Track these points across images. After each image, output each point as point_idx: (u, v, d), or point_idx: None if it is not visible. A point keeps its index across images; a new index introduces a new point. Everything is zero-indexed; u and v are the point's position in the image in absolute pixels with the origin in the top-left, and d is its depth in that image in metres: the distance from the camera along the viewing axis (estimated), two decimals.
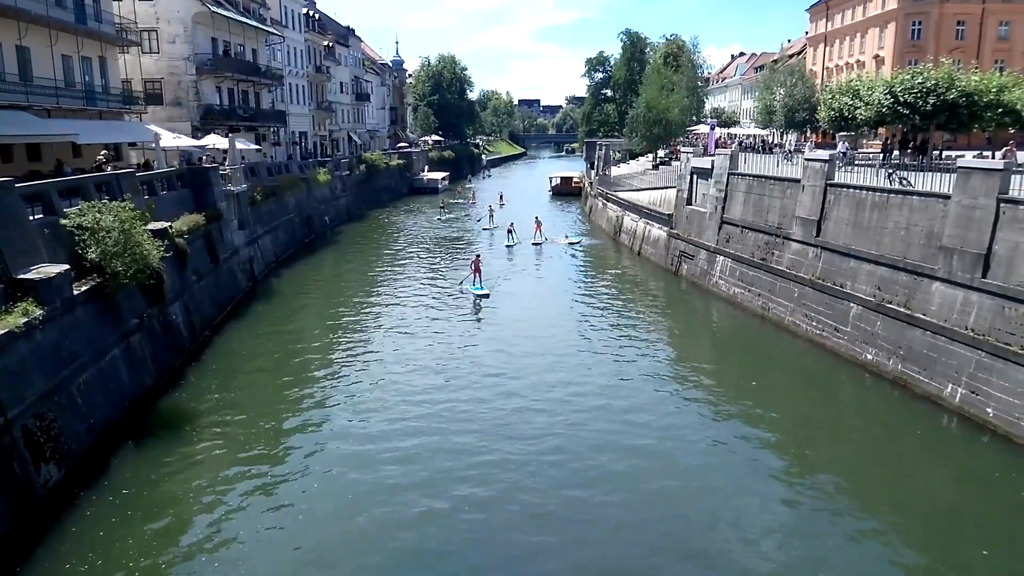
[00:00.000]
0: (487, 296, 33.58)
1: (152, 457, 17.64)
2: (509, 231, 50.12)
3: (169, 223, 25.75)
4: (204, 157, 39.62)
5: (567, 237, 52.37)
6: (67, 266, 17.70)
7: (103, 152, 30.57)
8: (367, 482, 16.53)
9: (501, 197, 74.50)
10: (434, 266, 43.70)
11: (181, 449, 18.12)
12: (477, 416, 20.20)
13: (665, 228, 42.08)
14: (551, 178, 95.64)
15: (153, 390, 21.26)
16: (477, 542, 14.51)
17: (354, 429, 19.57)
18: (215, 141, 41.73)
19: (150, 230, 22.14)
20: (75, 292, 17.97)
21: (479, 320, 30.89)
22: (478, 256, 36.78)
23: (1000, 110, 33.53)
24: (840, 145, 34.83)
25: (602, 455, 18.09)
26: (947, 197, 21.51)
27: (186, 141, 39.91)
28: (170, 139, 37.09)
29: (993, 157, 31.55)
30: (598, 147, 75.26)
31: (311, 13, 77.75)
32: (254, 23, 55.43)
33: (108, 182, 23.84)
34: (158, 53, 46.99)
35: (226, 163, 38.68)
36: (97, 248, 19.05)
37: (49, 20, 30.60)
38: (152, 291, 22.02)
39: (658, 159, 65.17)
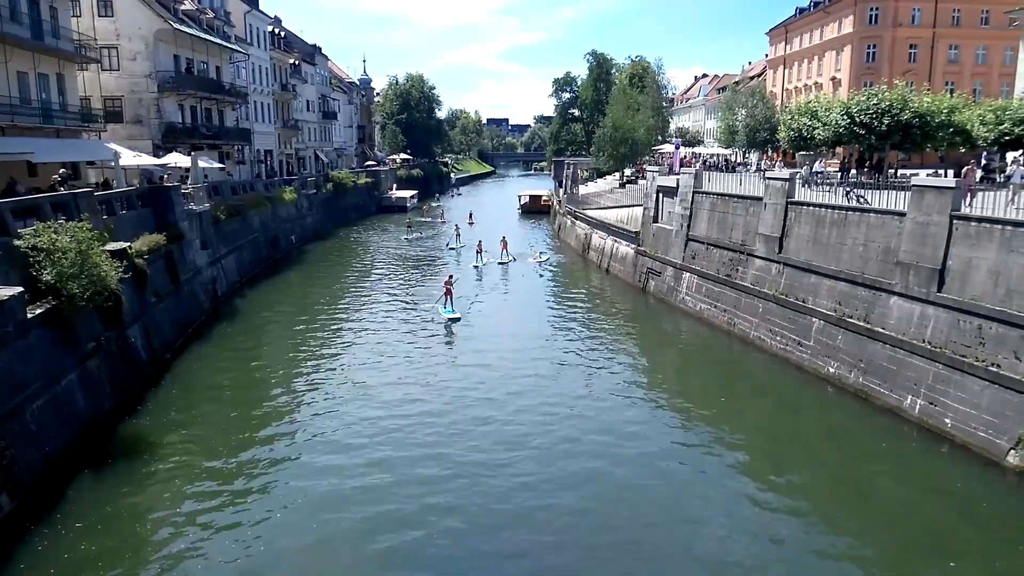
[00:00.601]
0: (458, 319, 32.93)
1: (109, 486, 17.15)
2: (478, 251, 49.50)
3: (128, 243, 25.34)
4: (165, 176, 39.12)
5: (540, 255, 52.69)
6: (20, 288, 17.29)
7: (60, 171, 29.99)
8: (332, 511, 16.09)
9: (471, 216, 74.13)
10: (402, 286, 43.32)
11: (139, 477, 17.66)
12: (445, 438, 20.00)
13: (632, 245, 42.42)
14: (520, 196, 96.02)
15: (111, 415, 20.77)
16: (447, 559, 14.36)
17: (319, 455, 19.11)
18: (177, 159, 41.17)
19: (108, 251, 21.78)
20: (29, 315, 17.56)
21: (447, 342, 30.61)
22: (450, 277, 36.16)
23: (951, 130, 34.44)
24: (816, 164, 35.37)
25: (571, 470, 18.18)
26: (902, 214, 22.02)
27: (147, 159, 39.32)
28: (130, 157, 36.50)
29: (946, 175, 32.38)
30: (566, 166, 75.92)
31: (277, 31, 77.37)
32: (218, 40, 54.97)
33: (65, 202, 23.42)
34: (118, 70, 46.32)
35: (188, 182, 38.21)
36: (52, 270, 18.62)
37: (4, 36, 30.00)
38: (110, 313, 21.59)
39: (625, 178, 65.83)
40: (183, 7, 51.65)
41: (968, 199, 21.09)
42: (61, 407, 18.40)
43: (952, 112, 34.45)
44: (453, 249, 56.90)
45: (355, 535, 15.16)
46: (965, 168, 26.44)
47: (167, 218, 32.40)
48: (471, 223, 70.75)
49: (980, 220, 19.46)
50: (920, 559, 14.35)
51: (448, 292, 34.38)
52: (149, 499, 16.72)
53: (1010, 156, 35.13)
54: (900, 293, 21.73)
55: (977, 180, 24.75)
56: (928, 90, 39.63)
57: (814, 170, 33.71)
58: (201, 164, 40.74)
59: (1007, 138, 32.22)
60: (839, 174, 35.46)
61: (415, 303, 37.55)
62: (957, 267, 19.89)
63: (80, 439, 18.76)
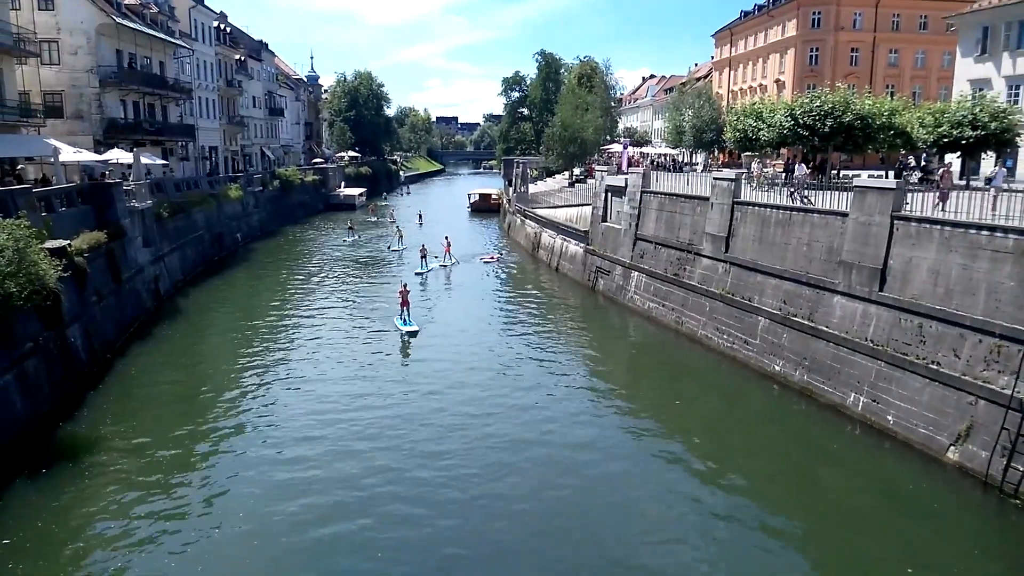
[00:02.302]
0: (416, 333, 30.12)
1: (47, 491, 16.56)
2: (422, 256, 45.84)
3: (68, 241, 24.53)
4: (107, 172, 38.00)
5: (498, 254, 52.17)
6: None
7: None
8: (276, 519, 15.57)
9: (420, 217, 72.99)
10: (346, 288, 42.20)
11: (79, 481, 17.12)
12: (393, 440, 19.67)
13: (582, 244, 42.70)
14: (470, 195, 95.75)
15: (49, 418, 20.10)
16: (396, 561, 14.25)
17: (263, 460, 18.55)
18: (119, 156, 40.13)
19: (47, 249, 21.07)
20: None
21: (393, 343, 29.61)
22: (405, 286, 32.59)
23: (892, 132, 35.53)
24: (754, 165, 35.90)
25: (519, 468, 18.22)
26: (845, 215, 22.58)
27: (88, 156, 38.20)
28: (70, 153, 35.40)
29: (887, 176, 33.41)
30: (515, 164, 76.03)
31: (222, 27, 75.89)
32: (161, 35, 53.68)
33: (2, 198, 22.57)
34: (59, 64, 45.02)
35: (130, 178, 37.20)
36: None
37: None
38: (49, 313, 20.93)
39: (574, 177, 66.38)
40: (127, 1, 50.34)
41: (941, 204, 21.21)
42: None
43: (893, 114, 35.55)
44: (395, 251, 54.57)
45: (299, 543, 14.77)
46: (942, 170, 27.06)
47: (108, 215, 31.49)
48: (420, 224, 69.67)
49: (920, 220, 20.04)
50: (864, 554, 14.65)
51: (404, 303, 31.45)
52: (88, 503, 16.17)
53: (948, 157, 36.37)
54: (843, 292, 22.27)
55: (953, 183, 25.43)
56: (869, 93, 40.83)
57: (751, 172, 34.12)
58: (144, 160, 39.69)
59: (945, 140, 33.31)
60: (783, 175, 36.24)
61: (359, 303, 36.96)
62: (898, 266, 20.48)
63: (16, 443, 18.09)
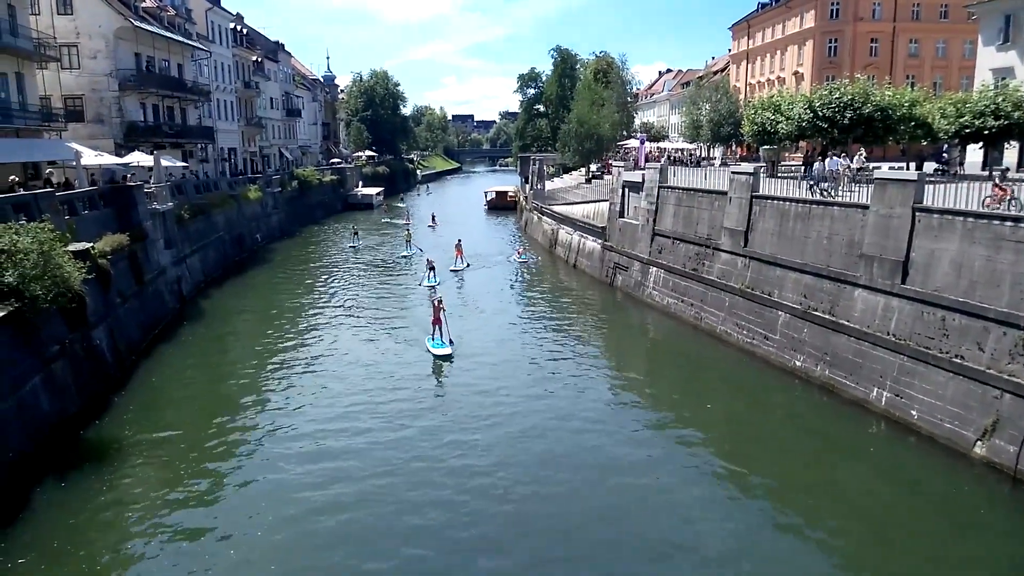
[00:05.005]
0: (449, 357, 26.70)
1: (75, 493, 16.79)
2: (429, 267, 41.19)
3: (91, 244, 24.84)
4: (128, 175, 38.41)
5: (522, 252, 50.67)
6: None
7: (11, 177, 29.23)
8: (300, 521, 15.60)
9: (433, 218, 70.78)
10: (364, 291, 41.05)
11: (106, 484, 17.29)
12: (418, 445, 19.51)
13: (599, 241, 42.63)
14: (486, 192, 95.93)
15: (77, 419, 20.36)
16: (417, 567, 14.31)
17: (289, 463, 18.47)
18: (139, 158, 40.54)
19: (71, 251, 21.35)
20: None
21: (414, 349, 28.25)
22: (439, 301, 28.40)
23: (913, 123, 35.16)
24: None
25: (545, 464, 18.29)
26: (866, 207, 22.38)
27: (109, 159, 38.63)
28: (92, 157, 35.84)
29: (908, 168, 32.97)
30: (532, 161, 75.96)
31: (239, 28, 76.47)
32: (179, 38, 54.19)
33: (26, 202, 22.91)
34: (79, 69, 45.55)
35: (151, 181, 37.59)
36: (14, 271, 18.18)
37: None
38: (74, 315, 21.20)
39: (591, 173, 66.22)
40: (144, 4, 50.93)
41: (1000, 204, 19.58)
42: (26, 411, 18.02)
43: (913, 105, 35.17)
44: (405, 257, 51.56)
45: (325, 547, 14.79)
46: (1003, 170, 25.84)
47: (130, 218, 31.85)
48: (433, 226, 67.66)
49: (942, 212, 19.81)
50: (892, 551, 14.53)
51: (436, 320, 27.60)
52: (115, 506, 16.36)
53: (970, 148, 35.92)
54: (864, 285, 22.09)
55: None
56: (889, 84, 40.51)
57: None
58: (164, 163, 40.10)
59: (967, 131, 32.91)
60: (802, 168, 35.93)
61: (377, 308, 36.00)
62: (920, 259, 20.27)
63: (45, 444, 18.38)
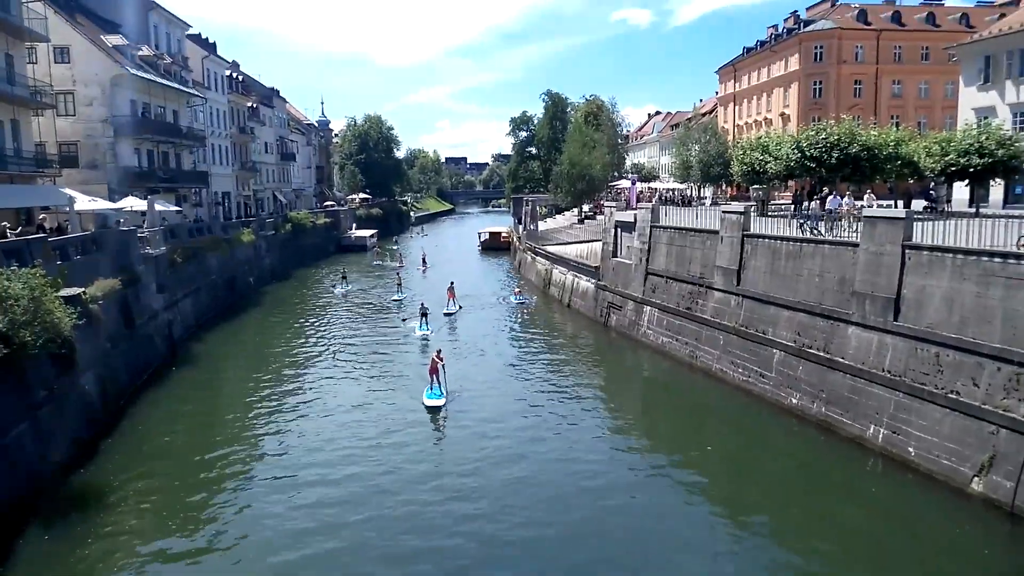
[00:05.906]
0: (441, 408, 25.82)
1: (60, 543, 16.42)
2: (423, 314, 39.19)
3: (82, 289, 24.72)
4: (121, 220, 38.47)
5: (519, 293, 49.73)
6: None
7: (5, 223, 29.27)
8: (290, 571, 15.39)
9: (424, 261, 70.55)
10: (360, 337, 40.16)
11: (93, 532, 16.97)
12: (412, 492, 19.23)
13: (593, 280, 42.70)
14: (480, 233, 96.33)
15: (64, 466, 20.02)
16: None
17: (279, 514, 18.06)
18: (133, 203, 40.67)
19: (62, 297, 21.23)
20: None
21: (410, 392, 27.69)
22: (438, 353, 27.77)
23: (899, 162, 35.61)
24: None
25: (537, 505, 18.08)
26: (856, 245, 22.52)
27: (102, 204, 38.73)
28: (85, 202, 35.93)
29: (896, 206, 33.25)
30: (525, 202, 76.53)
31: (234, 75, 77.43)
32: (175, 85, 54.78)
33: (18, 248, 22.86)
34: (74, 115, 45.95)
35: (144, 225, 37.63)
36: (4, 318, 18.05)
37: None
38: (63, 360, 20.97)
39: (583, 213, 66.63)
40: (141, 53, 51.41)
41: None
42: (11, 458, 17.71)
43: (899, 144, 35.70)
44: (396, 301, 50.32)
45: None
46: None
47: (123, 262, 31.76)
48: (423, 269, 67.24)
49: (932, 249, 19.97)
50: None
51: (435, 370, 26.87)
52: (103, 556, 16.02)
53: (956, 186, 36.32)
54: (857, 323, 22.11)
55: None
56: (875, 124, 41.10)
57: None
58: (158, 207, 40.15)
59: (953, 169, 33.33)
60: (792, 206, 36.23)
61: (369, 355, 35.16)
62: (911, 295, 20.34)
63: (30, 492, 18.03)
